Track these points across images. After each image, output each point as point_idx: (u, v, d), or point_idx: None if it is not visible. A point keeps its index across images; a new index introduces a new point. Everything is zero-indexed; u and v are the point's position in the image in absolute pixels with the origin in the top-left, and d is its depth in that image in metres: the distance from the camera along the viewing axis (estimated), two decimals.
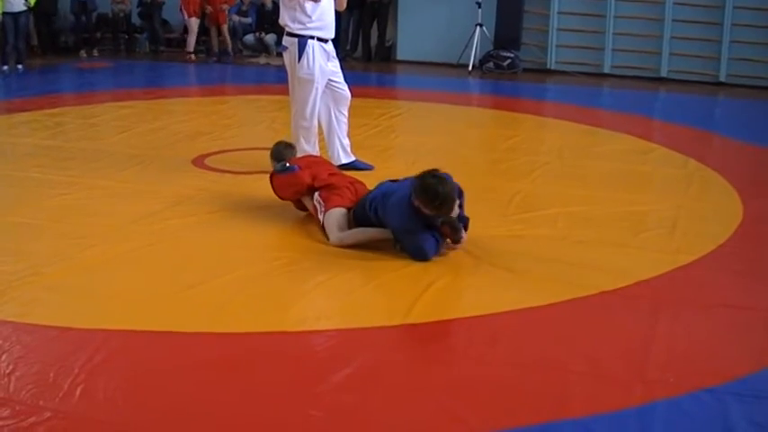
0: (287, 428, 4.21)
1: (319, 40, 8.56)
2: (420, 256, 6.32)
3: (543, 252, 6.66)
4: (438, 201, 6.15)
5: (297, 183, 7.17)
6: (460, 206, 6.44)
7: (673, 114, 13.61)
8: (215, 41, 18.98)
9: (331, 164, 8.01)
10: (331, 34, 8.69)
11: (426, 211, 6.21)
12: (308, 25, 8.50)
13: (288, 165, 7.33)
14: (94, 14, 19.81)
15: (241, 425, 4.23)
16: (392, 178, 7.01)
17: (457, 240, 6.45)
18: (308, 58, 8.50)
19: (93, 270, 6.23)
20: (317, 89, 8.62)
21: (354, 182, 7.18)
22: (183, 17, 18.74)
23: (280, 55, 18.94)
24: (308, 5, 8.44)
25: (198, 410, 4.34)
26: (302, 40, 8.50)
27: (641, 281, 6.10)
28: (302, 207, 7.27)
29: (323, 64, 8.60)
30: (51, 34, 19.78)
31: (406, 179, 6.63)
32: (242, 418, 4.29)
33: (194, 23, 18.71)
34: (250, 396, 4.50)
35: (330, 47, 8.72)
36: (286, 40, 8.72)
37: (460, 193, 6.46)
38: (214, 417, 4.27)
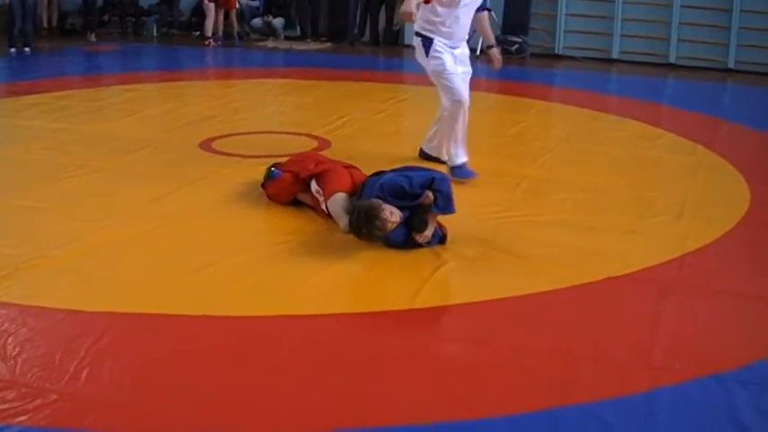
0: (292, 412, 4.22)
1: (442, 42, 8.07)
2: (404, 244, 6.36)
3: (550, 237, 6.66)
4: (362, 232, 6.19)
5: (284, 186, 7.18)
6: (439, 192, 6.39)
7: (681, 100, 13.59)
8: (213, 23, 18.78)
9: (318, 154, 7.97)
10: (456, 44, 8.14)
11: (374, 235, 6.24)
12: (432, 27, 8.03)
13: (272, 170, 7.33)
14: None
15: (246, 408, 4.24)
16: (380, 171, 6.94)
17: (420, 230, 6.37)
18: (434, 50, 8.01)
19: (101, 253, 6.23)
20: (452, 74, 8.06)
21: (348, 166, 7.16)
22: (203, 3, 18.53)
23: (287, 39, 18.99)
24: (441, 9, 7.95)
25: (204, 394, 4.35)
26: (426, 41, 8.06)
27: (648, 267, 6.10)
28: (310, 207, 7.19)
29: (452, 57, 8.09)
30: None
31: (406, 171, 6.65)
32: (247, 401, 4.29)
33: (212, 8, 18.51)
34: (256, 379, 4.51)
35: (460, 52, 8.20)
36: (414, 39, 8.25)
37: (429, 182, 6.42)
38: (220, 400, 4.27)
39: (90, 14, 19.34)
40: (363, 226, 6.13)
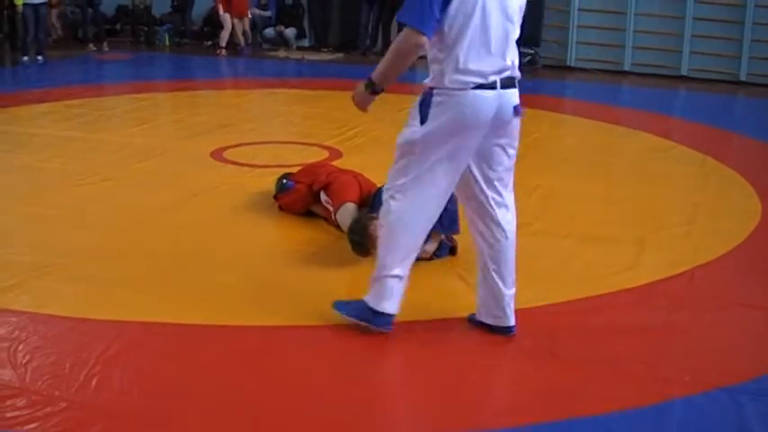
0: (299, 422, 4.21)
1: None
2: None
3: (561, 249, 6.65)
4: (354, 248, 6.19)
5: (298, 197, 7.18)
6: (445, 210, 6.35)
7: (692, 113, 13.57)
8: (229, 33, 18.86)
9: (329, 165, 7.96)
10: None
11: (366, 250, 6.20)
12: None
13: (285, 182, 7.34)
14: (100, 6, 19.50)
15: (255, 418, 4.24)
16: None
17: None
18: None
19: (111, 261, 6.24)
20: None
21: (357, 175, 7.16)
22: (219, 12, 18.64)
23: (299, 49, 18.99)
24: None
25: (213, 403, 4.34)
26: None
27: (659, 279, 6.09)
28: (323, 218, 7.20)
29: None
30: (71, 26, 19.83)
31: None
32: (256, 411, 4.30)
33: (229, 19, 18.58)
34: (265, 389, 4.51)
35: None
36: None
37: None
38: (230, 409, 4.27)
39: (96, 25, 19.25)
40: (353, 241, 6.16)
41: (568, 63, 17.72)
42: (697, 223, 7.37)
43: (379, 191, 6.72)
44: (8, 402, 4.27)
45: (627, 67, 17.30)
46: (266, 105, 13.46)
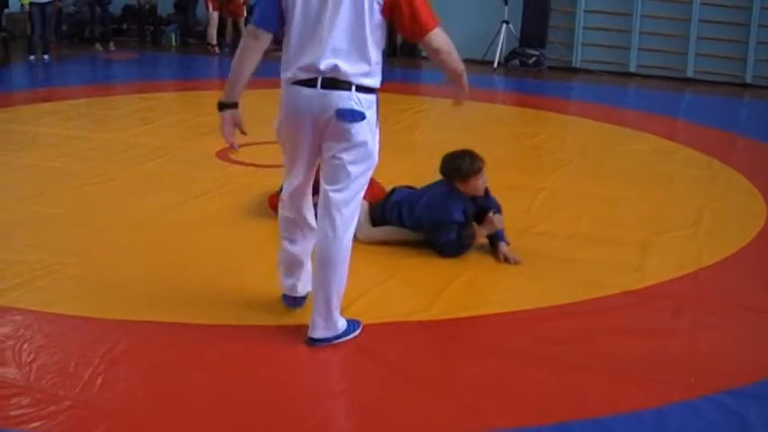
0: (307, 422, 4.21)
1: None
2: (449, 250, 6.37)
3: (566, 250, 6.65)
4: (464, 167, 6.33)
5: None
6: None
7: (698, 115, 13.56)
8: (227, 33, 19.09)
9: None
10: None
11: (464, 184, 6.36)
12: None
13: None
14: (110, 6, 19.48)
15: (260, 418, 4.24)
16: (407, 184, 7.00)
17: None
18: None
19: (116, 261, 6.24)
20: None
21: None
22: (207, 10, 18.87)
23: None
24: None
25: (218, 403, 4.34)
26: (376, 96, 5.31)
27: (663, 281, 6.08)
28: None
29: None
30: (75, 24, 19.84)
31: (424, 187, 6.68)
32: (261, 411, 4.30)
33: (216, 16, 18.83)
34: (270, 389, 4.51)
35: None
36: (359, 98, 5.11)
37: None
38: (233, 409, 4.28)
39: (103, 25, 19.26)
40: (456, 160, 6.39)
41: (574, 64, 17.73)
42: (702, 226, 7.36)
43: (392, 192, 6.74)
44: (12, 401, 4.28)
45: (632, 69, 17.32)
46: (271, 105, 13.36)
